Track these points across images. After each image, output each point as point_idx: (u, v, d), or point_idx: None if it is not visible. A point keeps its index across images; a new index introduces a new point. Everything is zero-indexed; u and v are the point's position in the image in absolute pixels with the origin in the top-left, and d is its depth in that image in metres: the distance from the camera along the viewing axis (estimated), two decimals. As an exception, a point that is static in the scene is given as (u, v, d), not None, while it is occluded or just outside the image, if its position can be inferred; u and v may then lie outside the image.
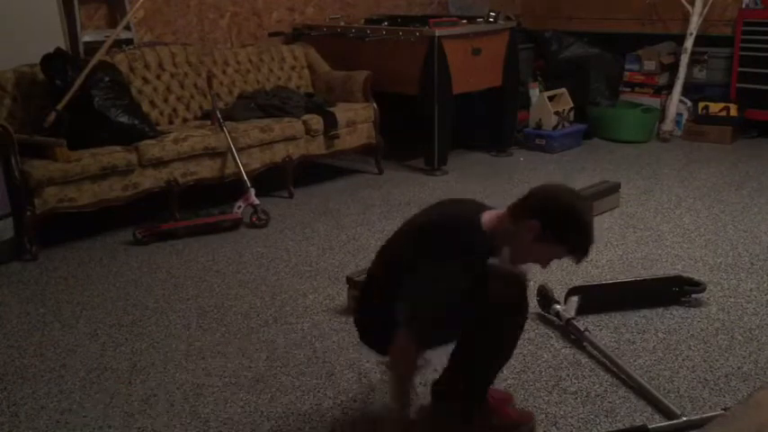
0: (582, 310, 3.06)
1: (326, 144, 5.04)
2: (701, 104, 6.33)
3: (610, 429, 2.35)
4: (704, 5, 6.22)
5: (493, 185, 5.06)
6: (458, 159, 5.71)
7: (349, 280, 3.23)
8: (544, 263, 2.18)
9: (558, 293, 3.17)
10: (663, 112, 6.42)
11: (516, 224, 2.09)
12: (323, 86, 5.53)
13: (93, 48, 4.52)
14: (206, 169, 4.44)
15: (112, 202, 4.11)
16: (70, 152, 3.89)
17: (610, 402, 2.51)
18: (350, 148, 5.20)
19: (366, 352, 2.49)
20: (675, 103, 6.33)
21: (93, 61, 4.16)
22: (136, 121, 4.24)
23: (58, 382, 2.71)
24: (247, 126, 4.65)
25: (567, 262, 3.62)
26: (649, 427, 2.32)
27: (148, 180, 4.21)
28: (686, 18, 6.34)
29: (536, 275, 3.53)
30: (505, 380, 2.65)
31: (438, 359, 2.30)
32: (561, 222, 2.06)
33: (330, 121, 5.00)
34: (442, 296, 2.03)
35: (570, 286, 3.20)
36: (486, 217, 2.13)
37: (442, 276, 2.04)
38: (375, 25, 5.76)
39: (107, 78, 4.23)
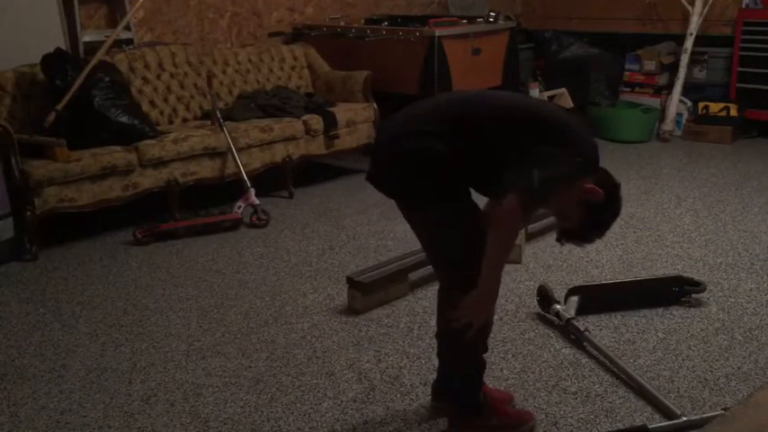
0: (582, 310, 3.06)
1: (326, 144, 5.04)
2: (701, 104, 6.33)
3: (610, 429, 2.35)
4: (704, 5, 6.22)
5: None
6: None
7: (349, 280, 3.24)
8: (564, 221, 2.18)
9: (558, 293, 3.17)
10: (663, 112, 6.42)
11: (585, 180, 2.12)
12: (323, 86, 5.53)
13: (93, 48, 4.52)
14: (206, 169, 4.44)
15: (112, 202, 4.10)
16: (70, 152, 3.89)
17: (610, 402, 2.51)
18: (350, 148, 5.20)
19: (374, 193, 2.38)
20: (675, 103, 6.33)
21: (94, 61, 4.16)
22: (136, 121, 4.24)
23: (58, 382, 2.71)
24: (247, 126, 4.65)
25: (567, 261, 3.66)
26: (649, 427, 2.32)
27: (148, 180, 4.21)
28: (686, 18, 6.34)
29: (536, 275, 3.54)
30: (506, 380, 2.65)
31: None
32: (614, 207, 2.16)
33: (330, 121, 5.00)
34: (559, 184, 2.05)
35: (570, 286, 3.20)
36: None
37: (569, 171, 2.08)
38: (375, 25, 5.76)
39: (107, 78, 4.23)
